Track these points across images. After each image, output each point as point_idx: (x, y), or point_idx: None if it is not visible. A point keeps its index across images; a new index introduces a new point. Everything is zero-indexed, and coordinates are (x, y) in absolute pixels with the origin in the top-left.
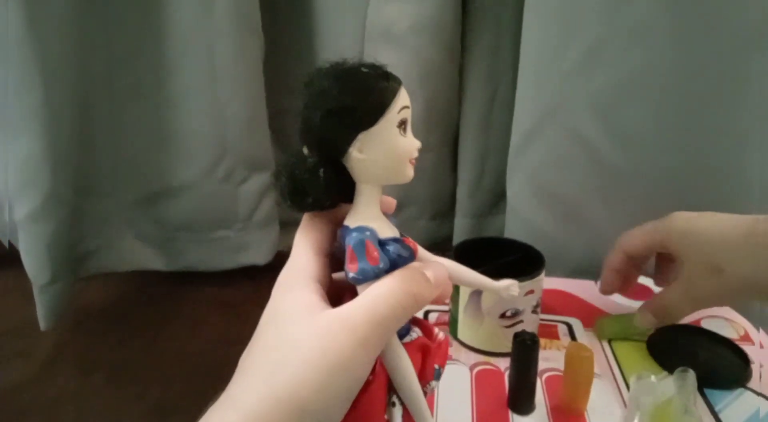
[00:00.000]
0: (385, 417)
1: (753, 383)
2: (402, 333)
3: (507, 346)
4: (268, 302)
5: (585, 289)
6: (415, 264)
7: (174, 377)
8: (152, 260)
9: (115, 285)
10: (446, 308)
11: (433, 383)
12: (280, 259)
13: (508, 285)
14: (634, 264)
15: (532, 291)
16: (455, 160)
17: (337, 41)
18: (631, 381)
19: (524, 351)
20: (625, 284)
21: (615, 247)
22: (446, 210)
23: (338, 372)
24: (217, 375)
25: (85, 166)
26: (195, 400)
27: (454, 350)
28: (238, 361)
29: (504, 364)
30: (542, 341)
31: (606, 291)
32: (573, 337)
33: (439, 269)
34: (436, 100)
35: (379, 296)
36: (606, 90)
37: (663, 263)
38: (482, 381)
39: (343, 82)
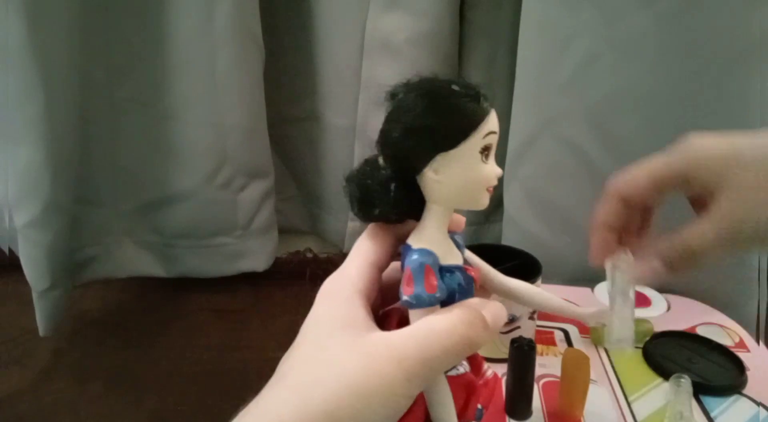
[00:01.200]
0: None
1: (748, 389)
2: None
3: (504, 352)
4: (313, 307)
5: (581, 296)
6: (475, 301)
7: (171, 384)
8: (151, 266)
9: (113, 292)
10: None
11: None
12: (278, 266)
13: (595, 314)
14: (633, 218)
15: None
16: None
17: (337, 52)
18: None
19: (521, 357)
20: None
21: (606, 195)
22: None
23: (378, 400)
24: (214, 382)
25: (85, 174)
26: (192, 408)
27: None
28: (236, 368)
29: (501, 370)
30: (539, 347)
31: (598, 258)
32: (569, 343)
33: (498, 311)
34: None
35: (434, 333)
36: (600, 101)
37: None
38: None
39: (429, 100)
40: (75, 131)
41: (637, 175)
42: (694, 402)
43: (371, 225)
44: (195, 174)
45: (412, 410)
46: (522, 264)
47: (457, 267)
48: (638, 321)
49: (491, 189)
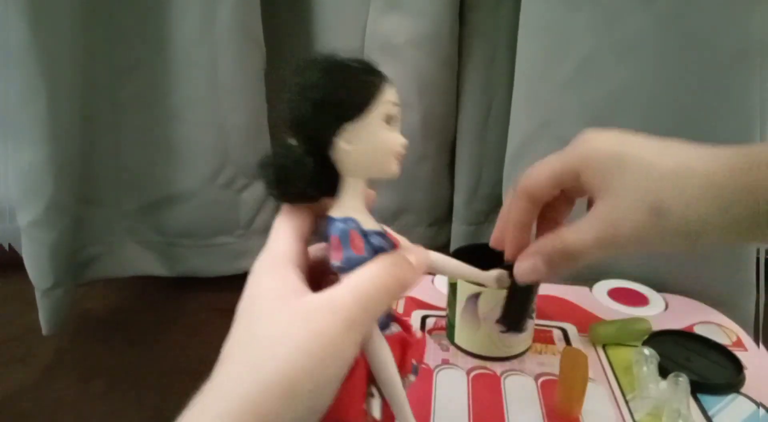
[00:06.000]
0: (364, 407)
1: (746, 388)
2: (382, 327)
3: (503, 351)
4: (245, 288)
5: (579, 295)
6: (398, 251)
7: (173, 383)
8: (153, 266)
9: (116, 291)
10: (443, 313)
11: (411, 377)
12: None
13: (498, 276)
14: (535, 212)
15: None
16: (452, 169)
17: (337, 53)
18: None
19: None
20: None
21: (514, 190)
22: (443, 217)
23: (327, 355)
24: None
25: (88, 174)
26: None
27: (452, 355)
28: None
29: (500, 368)
30: (537, 346)
31: (514, 255)
32: (568, 342)
33: (420, 253)
34: (434, 111)
35: (364, 278)
36: (597, 102)
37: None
38: (479, 385)
39: (331, 74)
40: (78, 131)
41: (539, 172)
42: (691, 401)
43: (285, 205)
44: (197, 174)
45: (355, 368)
46: None
47: (378, 232)
48: (636, 320)
49: (400, 157)
